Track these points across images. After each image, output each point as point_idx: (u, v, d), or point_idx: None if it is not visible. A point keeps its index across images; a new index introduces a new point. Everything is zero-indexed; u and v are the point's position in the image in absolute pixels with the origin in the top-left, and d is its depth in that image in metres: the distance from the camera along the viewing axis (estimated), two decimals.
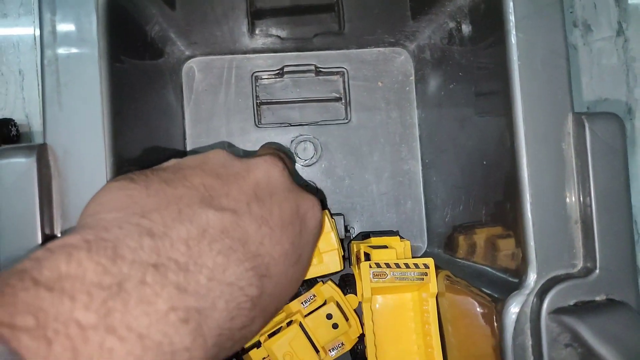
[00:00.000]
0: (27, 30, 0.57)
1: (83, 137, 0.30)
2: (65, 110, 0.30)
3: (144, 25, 0.37)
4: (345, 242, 0.49)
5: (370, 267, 0.42)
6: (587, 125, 0.30)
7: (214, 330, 0.21)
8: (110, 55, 0.31)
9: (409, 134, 0.50)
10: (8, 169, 0.28)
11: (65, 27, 0.30)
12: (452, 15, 0.39)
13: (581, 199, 0.31)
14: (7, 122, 0.53)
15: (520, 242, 0.32)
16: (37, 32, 0.58)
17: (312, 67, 0.50)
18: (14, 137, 0.53)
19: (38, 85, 0.57)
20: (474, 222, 0.41)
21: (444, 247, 0.46)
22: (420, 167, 0.50)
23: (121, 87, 0.32)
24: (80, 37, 0.30)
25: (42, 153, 0.29)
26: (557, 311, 0.29)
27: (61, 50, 0.30)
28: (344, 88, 0.51)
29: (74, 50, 0.30)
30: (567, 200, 0.31)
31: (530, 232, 0.31)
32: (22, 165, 0.28)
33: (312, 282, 0.46)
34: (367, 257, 0.44)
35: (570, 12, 0.63)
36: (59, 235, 0.29)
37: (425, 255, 0.49)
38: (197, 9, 0.39)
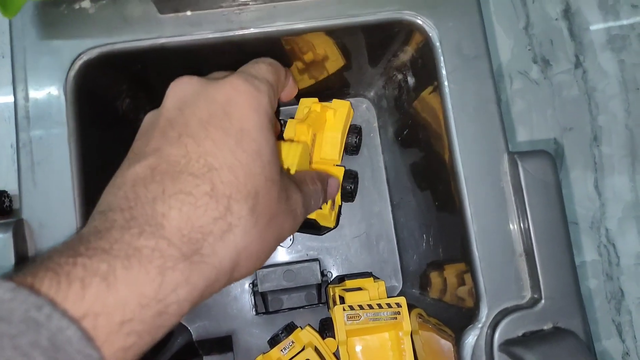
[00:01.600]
0: (8, 99, 0.60)
1: (56, 211, 0.32)
2: (39, 187, 0.32)
3: (114, 101, 0.41)
4: (323, 287, 0.51)
5: (344, 310, 0.44)
6: (519, 164, 0.33)
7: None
8: (80, 133, 0.34)
9: (377, 177, 0.53)
10: None
11: (37, 111, 0.33)
12: (398, 69, 0.43)
13: (522, 233, 0.33)
14: (1, 195, 0.55)
15: (473, 278, 0.34)
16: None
17: (281, 121, 0.53)
18: (7, 207, 0.55)
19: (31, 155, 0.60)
20: (436, 261, 0.42)
21: (416, 285, 0.48)
22: (390, 208, 0.52)
23: (93, 160, 0.35)
24: (50, 119, 0.33)
25: (18, 228, 0.31)
26: (508, 342, 0.31)
27: (34, 133, 0.33)
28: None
29: (45, 132, 0.33)
30: (511, 234, 0.33)
31: (479, 267, 0.33)
32: (0, 241, 0.30)
33: (291, 328, 0.47)
34: (342, 300, 0.45)
35: (529, 50, 0.67)
36: None
37: (400, 294, 0.50)
38: (164, 80, 0.42)
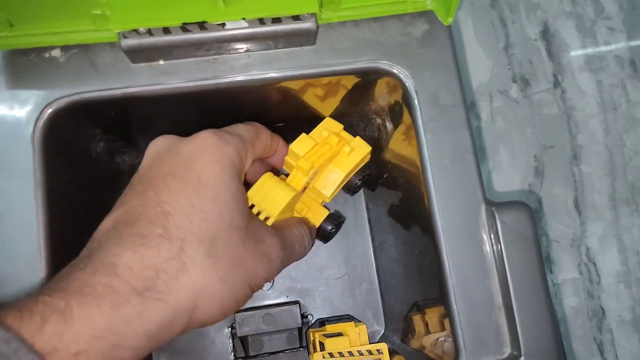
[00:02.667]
0: None
1: (22, 262, 0.31)
2: (3, 240, 0.31)
3: (87, 145, 0.40)
4: (303, 330, 0.49)
5: (323, 357, 0.42)
6: (497, 216, 0.32)
7: None
8: (47, 182, 0.33)
9: (359, 217, 0.52)
10: None
11: (2, 162, 0.32)
12: (377, 113, 0.42)
13: (502, 286, 0.32)
14: None
15: (452, 332, 0.33)
16: None
17: None
18: None
19: None
20: (417, 305, 0.42)
21: (398, 332, 0.47)
22: (372, 250, 0.51)
23: (61, 208, 0.34)
24: (17, 170, 0.32)
25: None
26: None
27: (4, 189, 0.32)
28: None
29: (10, 183, 0.32)
30: (490, 287, 0.33)
31: (457, 321, 0.32)
32: None
33: None
34: (322, 346, 0.44)
35: (508, 69, 0.68)
36: None
37: (382, 338, 0.49)
38: (138, 124, 0.42)
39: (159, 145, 0.29)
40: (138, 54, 0.32)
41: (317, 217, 0.39)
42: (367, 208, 0.52)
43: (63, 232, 0.34)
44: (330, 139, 0.35)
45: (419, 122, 0.34)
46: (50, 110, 0.33)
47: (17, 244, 0.32)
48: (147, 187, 0.26)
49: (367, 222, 0.52)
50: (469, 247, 0.33)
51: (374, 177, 0.48)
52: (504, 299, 0.32)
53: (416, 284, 0.42)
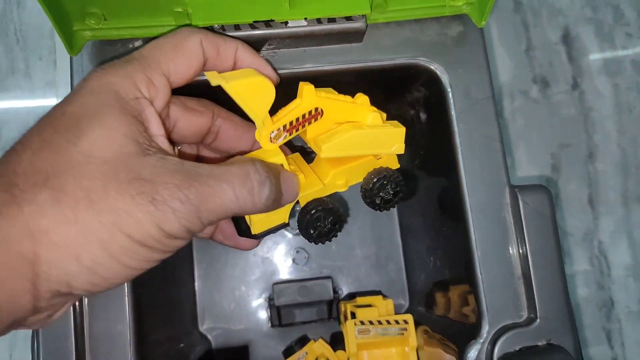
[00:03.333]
0: (50, 102, 0.67)
1: None
2: None
3: None
4: (334, 303, 0.54)
5: (355, 324, 0.47)
6: (520, 197, 0.37)
7: None
8: None
9: None
10: None
11: None
12: (412, 104, 0.47)
13: (521, 258, 0.37)
14: None
15: (475, 298, 0.38)
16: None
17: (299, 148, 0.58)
18: None
19: None
20: (442, 281, 0.46)
21: (423, 304, 0.52)
22: (399, 232, 0.56)
23: None
24: None
25: None
26: (506, 356, 0.34)
27: None
28: None
29: None
30: (511, 259, 0.37)
31: (481, 288, 0.37)
32: None
33: (305, 340, 0.51)
34: (353, 315, 0.49)
35: (529, 70, 0.72)
36: None
37: (407, 311, 0.54)
38: None
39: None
40: None
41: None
42: None
43: None
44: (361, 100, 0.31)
45: (452, 113, 0.39)
46: None
47: None
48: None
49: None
50: (493, 224, 0.37)
51: (405, 162, 0.53)
52: (523, 269, 0.37)
53: (441, 264, 0.46)
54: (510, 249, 0.37)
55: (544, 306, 0.35)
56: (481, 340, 0.36)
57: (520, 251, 0.37)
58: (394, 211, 0.57)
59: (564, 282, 0.36)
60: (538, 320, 0.35)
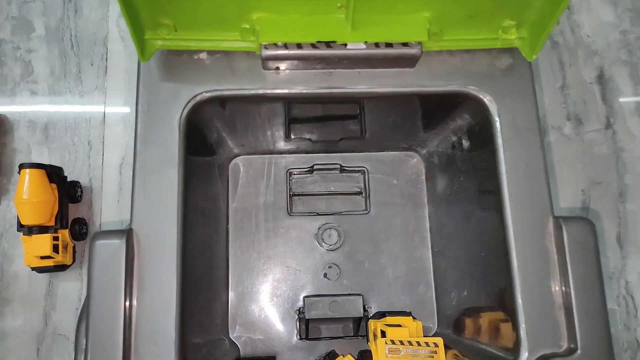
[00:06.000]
0: (98, 108, 0.69)
1: (161, 224, 0.38)
2: (149, 202, 0.38)
3: (206, 133, 0.47)
4: (363, 321, 0.55)
5: (386, 343, 0.47)
6: (564, 228, 0.37)
7: None
8: (184, 159, 0.40)
9: (421, 225, 0.58)
10: (103, 248, 0.36)
11: (154, 139, 0.39)
12: (454, 131, 0.48)
13: (563, 288, 0.37)
14: (74, 185, 0.62)
15: (515, 325, 0.38)
16: (106, 110, 0.70)
17: (338, 166, 0.59)
18: (79, 197, 0.62)
19: (102, 155, 0.68)
20: (477, 306, 0.47)
21: (453, 328, 0.52)
22: (430, 255, 0.57)
23: (188, 182, 0.41)
24: (165, 147, 0.39)
25: (129, 236, 0.37)
26: None
27: (150, 156, 0.39)
28: (365, 184, 0.59)
29: (159, 156, 0.39)
30: (552, 288, 0.38)
31: (522, 315, 0.37)
32: (115, 245, 0.36)
33: (333, 355, 0.51)
34: (383, 334, 0.49)
35: (563, 107, 0.73)
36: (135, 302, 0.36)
37: (436, 335, 0.54)
38: (245, 118, 0.49)
39: None
40: (271, 63, 0.39)
41: None
42: (429, 217, 0.57)
43: (188, 200, 0.41)
44: None
45: (499, 141, 0.40)
46: (195, 102, 0.40)
47: (160, 206, 0.38)
48: None
49: (428, 230, 0.57)
50: (536, 252, 0.38)
51: (443, 187, 0.53)
52: (564, 299, 0.37)
53: (476, 289, 0.47)
54: (552, 278, 0.38)
55: (586, 338, 0.35)
56: None
57: (563, 281, 0.37)
58: (426, 234, 0.57)
59: (605, 315, 0.36)
60: (579, 351, 0.35)
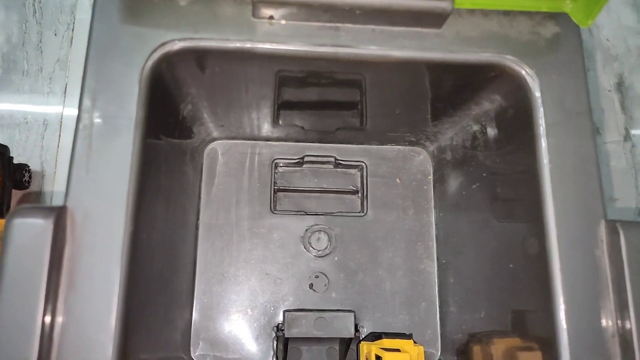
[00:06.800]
0: (58, 82, 0.60)
1: (106, 204, 0.29)
2: (92, 175, 0.29)
3: (179, 102, 0.38)
4: (354, 343, 0.46)
5: None
6: (621, 233, 0.30)
7: None
8: (144, 127, 0.31)
9: (426, 232, 0.49)
10: (24, 229, 0.27)
11: (106, 95, 0.30)
12: (477, 119, 0.40)
13: (618, 310, 0.29)
14: (22, 167, 0.53)
15: (552, 355, 0.30)
16: (68, 86, 0.61)
17: (332, 159, 0.51)
18: (26, 182, 0.53)
19: (59, 136, 0.59)
20: (495, 330, 0.38)
21: (460, 355, 0.43)
22: (436, 268, 0.48)
23: (149, 160, 0.32)
24: (119, 106, 0.30)
25: (60, 216, 0.28)
26: None
27: (98, 117, 0.30)
28: (362, 182, 0.51)
29: (111, 117, 0.30)
30: (602, 311, 0.30)
31: (566, 344, 0.29)
32: (39, 226, 0.27)
33: None
34: (379, 359, 0.41)
35: None
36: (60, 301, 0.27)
37: None
38: (230, 94, 0.40)
39: None
40: (264, 8, 0.31)
41: None
42: (436, 224, 0.49)
43: (147, 180, 0.32)
44: None
45: (541, 124, 0.32)
46: (162, 52, 0.31)
47: (106, 181, 0.29)
48: None
49: (434, 238, 0.49)
50: (584, 263, 0.30)
51: (457, 188, 0.46)
52: (619, 326, 0.29)
53: (498, 309, 0.38)
54: (603, 297, 0.30)
55: None
56: None
57: (618, 302, 0.29)
58: (432, 243, 0.49)
59: None
60: None
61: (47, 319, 0.26)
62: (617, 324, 0.29)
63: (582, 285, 0.30)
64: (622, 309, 0.29)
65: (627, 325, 0.29)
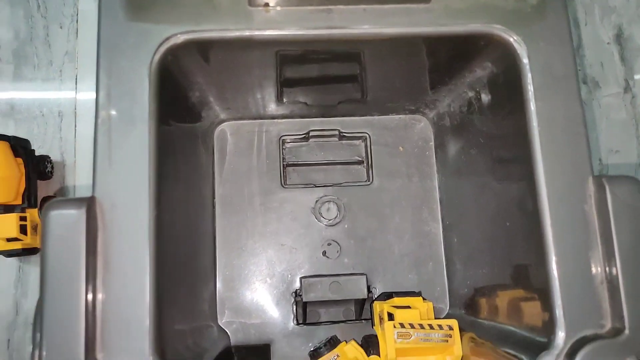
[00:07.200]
0: (69, 74, 0.62)
1: (130, 192, 0.32)
2: (115, 166, 0.32)
3: (187, 90, 0.40)
4: (367, 303, 0.49)
5: (394, 327, 0.42)
6: (607, 187, 0.32)
7: None
8: (157, 117, 0.33)
9: (430, 196, 0.52)
10: (60, 219, 0.30)
11: (119, 90, 0.33)
12: (471, 86, 0.42)
13: (606, 259, 0.32)
14: (44, 159, 0.56)
15: (547, 303, 0.32)
16: (79, 77, 0.64)
17: (336, 132, 0.53)
18: (49, 173, 0.56)
19: (75, 127, 0.61)
20: (497, 283, 0.41)
21: (467, 309, 0.46)
22: (441, 229, 0.51)
23: (165, 147, 0.35)
24: (132, 100, 0.33)
25: (90, 206, 0.31)
26: None
27: (114, 112, 0.32)
28: (366, 152, 0.53)
29: (126, 111, 0.32)
30: (592, 260, 0.32)
31: (557, 292, 0.32)
32: (73, 216, 0.30)
33: (335, 342, 0.46)
34: (391, 317, 0.44)
35: (579, 70, 0.67)
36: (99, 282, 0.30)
37: (447, 316, 0.49)
38: (234, 78, 0.42)
39: None
40: None
41: None
42: (439, 188, 0.51)
43: (164, 166, 0.35)
44: None
45: (529, 89, 0.34)
46: (167, 46, 0.33)
47: (128, 171, 0.32)
48: None
49: (438, 201, 0.51)
50: (574, 217, 0.32)
51: (456, 152, 0.48)
52: (607, 273, 0.32)
53: (498, 264, 0.41)
54: (592, 248, 0.32)
55: (634, 316, 0.30)
56: (556, 352, 0.31)
57: (605, 251, 0.32)
58: (436, 206, 0.51)
59: None
60: (627, 332, 0.30)
61: (90, 297, 0.29)
62: (605, 271, 0.32)
63: (572, 237, 0.32)
64: (609, 257, 0.31)
65: (614, 272, 0.31)
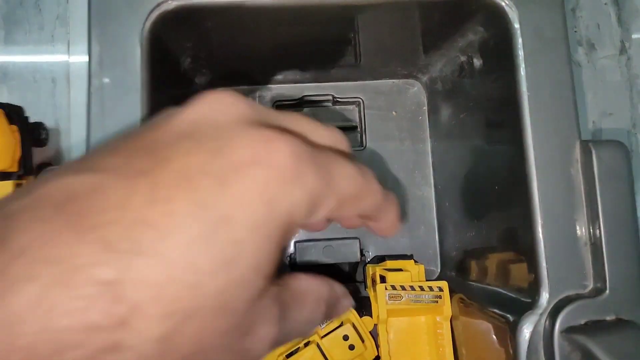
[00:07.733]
0: (61, 39, 0.62)
1: None
2: (108, 135, 0.32)
3: (179, 57, 0.40)
4: (360, 266, 0.50)
5: (386, 289, 0.43)
6: (594, 152, 0.32)
7: None
8: (150, 84, 0.33)
9: (422, 161, 0.52)
10: None
11: (111, 58, 0.33)
12: (463, 50, 0.42)
13: (590, 222, 0.33)
14: (38, 126, 0.56)
15: (533, 264, 0.33)
16: (71, 42, 0.63)
17: (330, 97, 0.53)
18: (44, 140, 0.56)
19: (68, 92, 0.61)
20: (486, 246, 0.42)
21: (457, 271, 0.48)
22: (433, 193, 0.52)
23: (157, 114, 0.35)
24: (124, 68, 0.33)
25: None
26: (569, 330, 0.31)
27: (107, 80, 0.32)
28: (360, 117, 0.53)
29: (118, 79, 0.32)
30: (577, 223, 0.33)
31: (542, 254, 0.33)
32: None
33: None
34: (383, 279, 0.45)
35: (575, 32, 0.66)
36: None
37: (438, 279, 0.50)
38: (227, 44, 0.42)
39: (216, 108, 0.17)
40: None
41: None
42: (432, 152, 0.52)
43: None
44: None
45: (520, 54, 0.34)
46: (158, 12, 0.33)
47: None
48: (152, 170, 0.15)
49: (430, 166, 0.52)
50: (560, 181, 0.33)
51: (448, 117, 0.48)
52: (591, 235, 0.33)
53: (487, 226, 0.42)
54: (577, 210, 0.33)
55: (615, 277, 0.31)
56: (539, 312, 0.32)
57: (590, 214, 0.32)
58: (429, 171, 0.52)
59: (638, 252, 0.32)
60: (607, 291, 0.31)
61: None
62: (589, 232, 0.33)
63: (558, 200, 0.33)
64: (593, 220, 0.32)
65: (598, 234, 0.32)
